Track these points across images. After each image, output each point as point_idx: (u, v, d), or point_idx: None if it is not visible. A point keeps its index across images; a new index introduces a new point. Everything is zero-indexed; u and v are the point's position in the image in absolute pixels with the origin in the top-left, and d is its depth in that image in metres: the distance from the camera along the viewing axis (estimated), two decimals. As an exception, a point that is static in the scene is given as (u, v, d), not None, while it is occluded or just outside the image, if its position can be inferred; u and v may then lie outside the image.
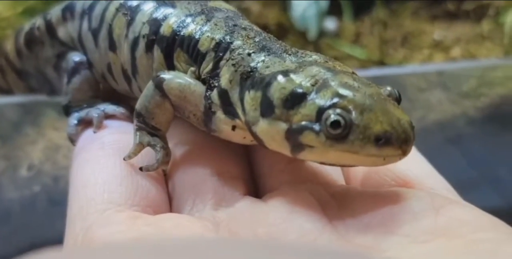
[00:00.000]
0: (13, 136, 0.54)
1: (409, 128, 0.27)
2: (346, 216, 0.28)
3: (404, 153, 0.27)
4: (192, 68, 0.33)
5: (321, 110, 0.27)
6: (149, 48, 0.35)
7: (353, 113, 0.27)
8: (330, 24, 0.73)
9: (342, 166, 0.31)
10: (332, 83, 0.28)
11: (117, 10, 0.37)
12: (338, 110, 0.27)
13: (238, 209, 0.30)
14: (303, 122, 0.28)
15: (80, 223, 0.29)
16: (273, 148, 0.29)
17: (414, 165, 0.32)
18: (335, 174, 0.33)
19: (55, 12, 0.43)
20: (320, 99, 0.27)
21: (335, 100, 0.27)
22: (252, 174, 0.33)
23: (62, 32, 0.42)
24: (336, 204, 0.29)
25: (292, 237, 0.27)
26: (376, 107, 0.27)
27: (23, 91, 0.50)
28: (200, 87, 0.32)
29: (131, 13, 0.36)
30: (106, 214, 0.29)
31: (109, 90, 0.40)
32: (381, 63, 0.70)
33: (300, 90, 0.28)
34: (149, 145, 0.32)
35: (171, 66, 0.34)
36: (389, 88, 0.29)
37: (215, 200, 0.31)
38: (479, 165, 0.63)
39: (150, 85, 0.33)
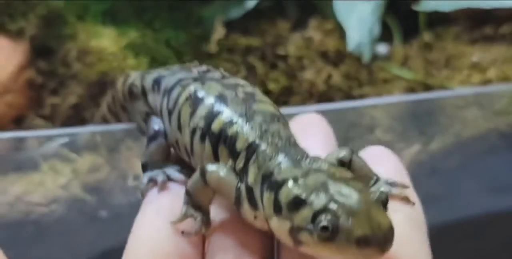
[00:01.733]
0: (121, 150, 0.68)
1: (388, 231, 0.32)
2: None
3: (383, 251, 0.31)
4: (230, 163, 0.39)
5: (315, 215, 0.32)
6: (202, 139, 0.41)
7: (340, 219, 0.31)
8: (382, 48, 0.83)
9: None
10: (328, 191, 0.33)
11: (186, 99, 0.43)
12: (328, 216, 0.32)
13: None
14: (302, 223, 0.33)
15: None
16: (281, 240, 0.35)
17: (414, 252, 0.37)
18: None
19: (148, 79, 0.50)
20: (315, 205, 0.32)
21: (327, 206, 0.32)
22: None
23: (151, 99, 0.49)
24: None
25: None
26: (360, 214, 0.31)
27: (127, 120, 0.60)
28: (233, 181, 0.38)
29: (194, 105, 0.42)
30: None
31: (178, 156, 0.47)
32: (425, 83, 0.80)
33: (301, 196, 0.33)
34: (191, 216, 0.38)
35: (216, 157, 0.40)
36: (378, 193, 0.34)
37: None
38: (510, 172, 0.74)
39: (197, 173, 0.39)
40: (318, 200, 0.32)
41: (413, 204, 0.40)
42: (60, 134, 0.65)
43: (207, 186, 0.38)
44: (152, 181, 0.43)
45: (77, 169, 0.67)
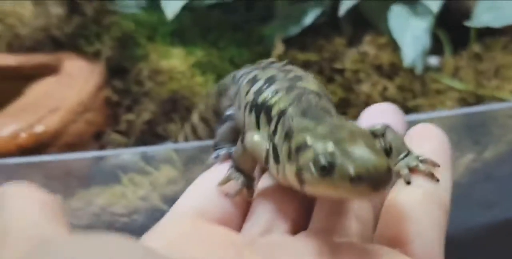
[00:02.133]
0: (196, 164, 0.73)
1: (382, 172, 0.33)
2: None
3: (376, 190, 0.33)
4: (266, 129, 0.42)
5: (316, 156, 0.34)
6: (250, 111, 0.45)
7: (337, 159, 0.33)
8: (433, 60, 0.87)
9: (333, 198, 0.38)
10: (330, 136, 0.35)
11: (247, 82, 0.48)
12: (327, 156, 0.34)
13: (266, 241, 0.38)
14: (305, 164, 0.35)
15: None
16: (291, 184, 0.37)
17: (423, 227, 0.37)
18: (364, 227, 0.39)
19: (229, 76, 0.57)
20: (317, 148, 0.34)
21: (327, 149, 0.34)
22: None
23: (230, 91, 0.54)
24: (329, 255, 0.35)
25: None
26: (357, 156, 0.33)
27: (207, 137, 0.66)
28: (264, 144, 0.40)
29: (251, 85, 0.47)
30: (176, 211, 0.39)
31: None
32: (476, 93, 0.83)
33: (307, 141, 0.35)
34: (234, 179, 0.41)
35: (258, 126, 0.44)
36: (382, 142, 0.35)
37: (260, 230, 0.39)
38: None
39: (239, 140, 0.42)
40: (321, 144, 0.35)
41: (437, 180, 0.40)
42: (140, 151, 0.70)
43: (246, 151, 0.41)
44: (218, 157, 0.47)
45: (155, 182, 0.73)
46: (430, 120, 0.75)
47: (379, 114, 0.48)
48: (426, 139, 0.44)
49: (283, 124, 0.40)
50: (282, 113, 0.41)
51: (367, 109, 0.51)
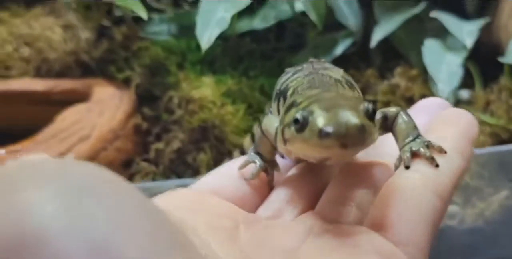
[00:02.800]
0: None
1: (353, 128, 0.33)
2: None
3: (344, 145, 0.33)
4: (282, 110, 0.42)
5: (296, 112, 0.35)
6: (275, 99, 0.46)
7: (311, 114, 0.34)
8: (464, 94, 0.87)
9: (308, 156, 0.38)
10: (314, 97, 0.36)
11: (281, 78, 0.48)
12: (304, 112, 0.34)
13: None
14: (287, 122, 0.36)
15: None
16: (280, 145, 0.39)
17: (409, 211, 0.36)
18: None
19: None
20: (300, 106, 0.36)
21: (307, 107, 0.35)
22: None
23: None
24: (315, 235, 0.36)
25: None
26: (332, 112, 0.33)
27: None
28: (276, 123, 0.41)
29: (282, 77, 0.48)
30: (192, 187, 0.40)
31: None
32: (508, 128, 0.83)
33: (295, 101, 0.37)
34: (253, 162, 0.42)
35: (278, 111, 0.44)
36: (365, 104, 0.35)
37: (270, 213, 0.40)
38: None
39: (256, 124, 0.44)
40: (304, 103, 0.36)
41: (437, 165, 0.38)
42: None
43: (263, 133, 0.42)
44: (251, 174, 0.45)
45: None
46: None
47: (423, 109, 0.47)
48: (452, 123, 0.43)
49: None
50: (293, 92, 0.42)
51: (416, 104, 0.49)
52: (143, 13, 0.79)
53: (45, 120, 0.77)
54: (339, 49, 0.87)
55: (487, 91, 0.86)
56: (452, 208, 0.76)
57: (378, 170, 0.41)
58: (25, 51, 0.85)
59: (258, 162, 0.42)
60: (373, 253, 0.34)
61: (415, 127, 0.41)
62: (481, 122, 0.83)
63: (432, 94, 0.82)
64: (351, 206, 0.39)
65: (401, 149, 0.40)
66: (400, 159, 0.40)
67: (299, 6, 0.84)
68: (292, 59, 0.87)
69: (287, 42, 0.90)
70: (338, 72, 0.45)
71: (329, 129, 0.33)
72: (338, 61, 0.87)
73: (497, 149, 0.74)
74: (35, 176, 0.27)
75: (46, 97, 0.82)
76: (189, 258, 0.27)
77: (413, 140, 0.40)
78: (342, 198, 0.39)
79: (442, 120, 0.44)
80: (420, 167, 0.38)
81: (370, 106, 0.35)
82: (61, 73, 0.85)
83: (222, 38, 0.84)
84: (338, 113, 0.33)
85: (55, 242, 0.24)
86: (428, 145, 0.39)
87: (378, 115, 0.40)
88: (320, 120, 0.33)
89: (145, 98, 0.83)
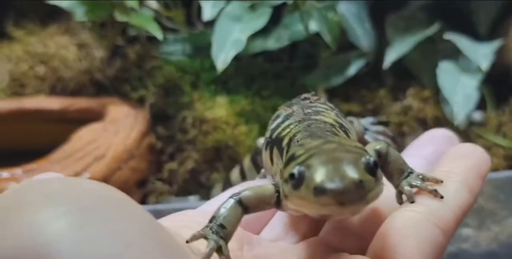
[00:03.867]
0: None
1: (351, 184, 0.31)
2: None
3: (341, 203, 0.31)
4: (279, 162, 0.40)
5: (293, 167, 0.33)
6: (266, 148, 0.44)
7: (307, 169, 0.32)
8: (477, 115, 0.87)
9: (306, 213, 0.35)
10: (314, 149, 0.34)
11: (271, 121, 0.47)
12: (301, 168, 0.33)
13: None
14: (285, 176, 0.34)
15: None
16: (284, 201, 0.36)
17: (411, 244, 0.36)
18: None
19: None
20: (298, 160, 0.34)
21: (305, 160, 0.33)
22: None
23: None
24: None
25: None
26: (330, 168, 0.32)
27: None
28: (270, 188, 0.38)
29: (271, 122, 0.46)
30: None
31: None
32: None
33: (294, 154, 0.35)
34: (205, 237, 0.35)
35: (272, 161, 0.42)
36: (367, 157, 0.33)
37: (273, 236, 0.41)
38: None
39: (229, 198, 0.37)
40: (302, 156, 0.34)
41: (441, 197, 0.38)
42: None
43: (239, 205, 0.37)
44: None
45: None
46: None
47: (430, 140, 0.49)
48: (463, 157, 0.43)
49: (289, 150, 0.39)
50: (290, 140, 0.40)
51: (423, 135, 0.51)
52: (158, 33, 0.79)
53: (60, 139, 0.77)
54: (351, 70, 0.87)
55: (499, 113, 0.86)
56: (466, 231, 0.76)
57: (383, 201, 0.39)
58: (40, 69, 0.86)
59: (212, 241, 0.35)
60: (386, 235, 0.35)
61: (404, 162, 0.40)
62: (494, 145, 0.83)
63: (444, 115, 0.83)
64: (355, 235, 0.40)
65: (397, 185, 0.40)
66: (399, 196, 0.40)
67: (312, 27, 0.84)
68: (305, 79, 0.87)
69: (300, 62, 0.90)
70: (330, 116, 0.44)
71: (325, 186, 0.31)
72: (351, 82, 0.88)
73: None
74: (43, 194, 0.27)
75: (61, 116, 0.82)
76: None
77: (408, 175, 0.40)
78: (345, 225, 0.40)
79: (454, 154, 0.44)
80: (424, 200, 0.39)
81: (371, 159, 0.33)
82: (75, 92, 0.86)
83: (236, 58, 0.84)
84: (335, 168, 0.32)
85: None
86: (423, 178, 0.39)
87: (372, 153, 0.39)
88: (316, 176, 0.32)
89: (159, 118, 0.83)
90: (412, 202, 0.38)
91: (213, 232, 0.35)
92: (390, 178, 0.40)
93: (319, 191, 0.31)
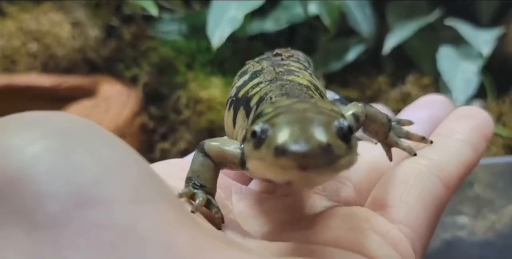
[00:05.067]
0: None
1: (317, 148, 0.27)
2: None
3: (303, 167, 0.27)
4: (243, 124, 0.36)
5: (256, 126, 0.29)
6: (229, 107, 0.40)
7: (271, 127, 0.28)
8: (477, 104, 0.85)
9: (267, 177, 0.31)
10: (285, 107, 0.30)
11: (237, 76, 0.43)
12: (265, 125, 0.29)
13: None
14: (247, 134, 0.30)
15: None
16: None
17: (412, 193, 0.35)
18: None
19: None
20: (265, 117, 0.30)
21: (272, 117, 0.29)
22: None
23: None
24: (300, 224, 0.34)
25: None
26: (296, 129, 0.28)
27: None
28: (231, 142, 0.35)
29: (238, 78, 0.42)
30: None
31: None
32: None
33: (262, 112, 0.31)
34: (192, 194, 0.34)
35: (235, 123, 0.38)
36: (342, 122, 0.29)
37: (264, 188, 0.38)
38: None
39: (195, 151, 0.36)
40: (270, 114, 0.30)
41: (430, 142, 0.38)
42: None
43: (207, 158, 0.35)
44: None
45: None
46: (477, 166, 0.73)
47: (425, 104, 0.48)
48: (467, 118, 0.43)
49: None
50: (261, 99, 0.36)
51: (418, 100, 0.49)
52: (153, 10, 0.77)
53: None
54: (350, 56, 0.86)
55: (499, 103, 0.85)
56: (462, 219, 0.74)
57: (381, 157, 0.40)
58: (33, 46, 0.84)
59: (199, 196, 0.34)
60: (370, 231, 0.33)
61: (384, 116, 0.38)
62: (494, 134, 0.81)
63: (444, 103, 0.81)
64: (350, 186, 0.38)
65: (384, 141, 0.38)
66: (388, 150, 0.39)
67: (312, 10, 0.82)
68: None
69: (298, 46, 0.88)
70: (305, 76, 0.40)
71: (286, 146, 0.27)
72: (350, 68, 0.86)
73: (511, 160, 0.73)
74: (21, 120, 0.26)
75: (53, 93, 0.80)
76: (175, 209, 0.26)
77: (391, 127, 0.38)
78: (342, 179, 0.38)
79: (457, 115, 0.44)
80: (428, 153, 0.38)
81: (346, 124, 0.29)
82: (68, 70, 0.84)
83: (233, 40, 0.82)
84: (302, 129, 0.28)
85: (35, 182, 0.23)
86: (399, 122, 0.39)
87: (350, 118, 0.35)
88: (279, 135, 0.28)
89: (153, 98, 0.81)
90: (415, 154, 0.37)
91: (195, 188, 0.34)
92: (375, 136, 0.38)
93: (280, 151, 0.27)
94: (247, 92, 0.38)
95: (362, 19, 0.87)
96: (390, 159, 0.39)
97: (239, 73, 0.43)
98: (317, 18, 0.83)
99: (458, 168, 0.37)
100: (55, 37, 0.85)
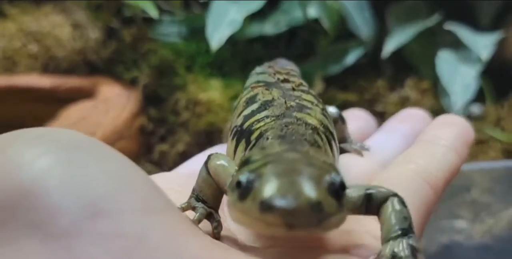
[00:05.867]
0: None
1: (306, 205, 0.26)
2: None
3: (290, 227, 0.26)
4: (241, 155, 0.36)
5: (241, 175, 0.28)
6: (233, 136, 0.39)
7: (257, 179, 0.27)
8: (476, 109, 0.85)
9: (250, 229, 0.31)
10: (273, 156, 0.29)
11: (245, 101, 0.42)
12: (251, 175, 0.27)
13: None
14: (232, 183, 0.29)
15: None
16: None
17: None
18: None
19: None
20: (251, 166, 0.29)
21: (258, 168, 0.28)
22: None
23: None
24: None
25: None
26: (284, 182, 0.26)
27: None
28: (231, 169, 0.33)
29: (246, 105, 0.40)
30: None
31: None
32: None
33: (249, 159, 0.30)
34: (192, 208, 0.33)
35: (235, 153, 0.37)
36: (334, 179, 0.28)
37: None
38: None
39: (203, 164, 0.35)
40: (257, 162, 0.29)
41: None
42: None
43: (209, 176, 0.34)
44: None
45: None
46: (475, 171, 0.73)
47: (407, 118, 0.50)
48: (449, 126, 0.45)
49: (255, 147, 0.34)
50: (260, 136, 0.35)
51: (401, 112, 0.52)
52: (153, 12, 0.78)
53: (50, 117, 0.76)
54: (350, 59, 0.86)
55: (498, 107, 0.85)
56: (459, 223, 0.74)
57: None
58: (33, 48, 0.84)
59: (199, 209, 0.33)
60: (364, 233, 0.33)
61: (405, 218, 0.32)
62: (491, 139, 0.81)
63: (442, 107, 0.81)
64: None
65: (383, 242, 0.32)
66: (380, 255, 0.32)
67: (311, 13, 0.83)
68: (302, 67, 0.85)
69: (298, 49, 0.89)
70: (316, 115, 0.38)
71: (273, 202, 0.26)
72: (349, 71, 0.86)
73: (509, 164, 0.73)
74: (24, 136, 0.27)
75: (53, 94, 0.81)
76: (183, 219, 0.27)
77: (398, 237, 0.32)
78: None
79: (440, 122, 0.46)
80: (415, 159, 0.40)
81: (338, 179, 0.28)
82: (68, 71, 0.85)
83: (232, 42, 0.83)
84: (291, 182, 0.26)
85: (47, 196, 0.24)
86: (413, 251, 0.31)
87: (358, 193, 0.32)
88: (265, 188, 0.26)
89: (152, 100, 0.82)
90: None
91: (198, 201, 0.34)
92: (381, 229, 0.33)
93: (266, 206, 0.26)
94: (252, 124, 0.37)
95: (362, 23, 0.87)
96: None
97: (244, 98, 0.42)
98: (316, 21, 0.83)
99: (444, 173, 0.39)
100: (55, 38, 0.85)
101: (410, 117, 0.51)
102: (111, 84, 0.81)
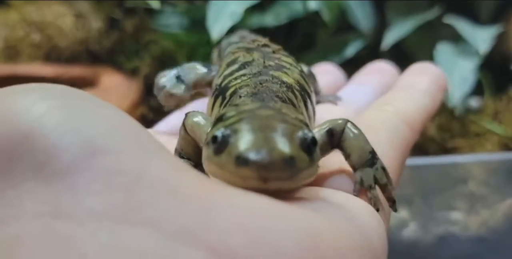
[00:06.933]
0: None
1: (280, 160, 0.27)
2: None
3: (265, 180, 0.27)
4: (216, 111, 0.37)
5: (217, 131, 0.29)
6: (213, 94, 0.40)
7: (235, 134, 0.28)
8: (474, 102, 0.86)
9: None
10: (248, 113, 0.30)
11: (227, 64, 0.43)
12: (226, 131, 0.29)
13: None
14: (208, 138, 0.30)
15: None
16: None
17: (380, 137, 0.36)
18: None
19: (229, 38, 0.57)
20: (226, 122, 0.30)
21: (233, 123, 0.29)
22: None
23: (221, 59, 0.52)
24: None
25: None
26: (259, 137, 0.28)
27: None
28: (206, 126, 0.34)
29: (226, 68, 0.42)
30: None
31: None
32: (516, 138, 0.82)
33: (224, 115, 0.31)
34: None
35: (212, 109, 0.39)
36: (306, 133, 0.29)
37: None
38: None
39: (182, 123, 0.36)
40: (232, 118, 0.30)
41: (377, 209, 0.32)
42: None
43: (187, 133, 0.36)
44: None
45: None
46: (472, 163, 0.74)
47: (376, 71, 0.53)
48: (422, 73, 0.48)
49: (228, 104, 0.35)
50: (234, 92, 0.36)
51: (369, 65, 0.55)
52: (155, 4, 0.78)
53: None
54: (349, 51, 0.86)
55: (496, 101, 0.85)
56: (455, 215, 0.75)
57: None
58: (36, 37, 0.85)
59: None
60: (348, 171, 0.34)
61: (366, 141, 0.34)
62: (489, 132, 0.82)
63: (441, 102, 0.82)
64: None
65: (355, 169, 0.34)
66: (360, 182, 0.34)
67: (311, 5, 0.83)
68: (302, 58, 0.86)
69: (297, 41, 0.90)
70: (293, 75, 0.40)
71: (248, 156, 0.27)
72: (348, 64, 0.87)
73: (506, 156, 0.73)
74: (17, 88, 0.27)
75: (55, 83, 0.81)
76: (176, 158, 0.27)
77: (371, 163, 0.34)
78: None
79: (413, 70, 0.49)
80: (392, 101, 0.42)
81: (310, 135, 0.30)
82: (70, 61, 0.85)
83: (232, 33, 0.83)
84: (266, 138, 0.28)
85: (45, 138, 0.24)
86: (386, 172, 0.34)
87: (320, 133, 0.34)
88: (241, 143, 0.28)
89: (152, 89, 0.82)
90: (377, 210, 0.33)
91: (182, 158, 0.36)
92: (347, 158, 0.35)
93: (241, 161, 0.27)
94: (230, 82, 0.39)
95: (362, 16, 0.88)
96: (355, 191, 0.34)
97: (228, 60, 0.43)
98: (316, 13, 0.84)
99: (421, 115, 0.41)
100: (58, 28, 0.86)
101: (378, 70, 0.55)
102: (113, 74, 0.82)
